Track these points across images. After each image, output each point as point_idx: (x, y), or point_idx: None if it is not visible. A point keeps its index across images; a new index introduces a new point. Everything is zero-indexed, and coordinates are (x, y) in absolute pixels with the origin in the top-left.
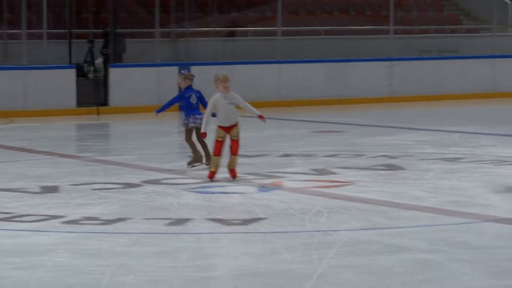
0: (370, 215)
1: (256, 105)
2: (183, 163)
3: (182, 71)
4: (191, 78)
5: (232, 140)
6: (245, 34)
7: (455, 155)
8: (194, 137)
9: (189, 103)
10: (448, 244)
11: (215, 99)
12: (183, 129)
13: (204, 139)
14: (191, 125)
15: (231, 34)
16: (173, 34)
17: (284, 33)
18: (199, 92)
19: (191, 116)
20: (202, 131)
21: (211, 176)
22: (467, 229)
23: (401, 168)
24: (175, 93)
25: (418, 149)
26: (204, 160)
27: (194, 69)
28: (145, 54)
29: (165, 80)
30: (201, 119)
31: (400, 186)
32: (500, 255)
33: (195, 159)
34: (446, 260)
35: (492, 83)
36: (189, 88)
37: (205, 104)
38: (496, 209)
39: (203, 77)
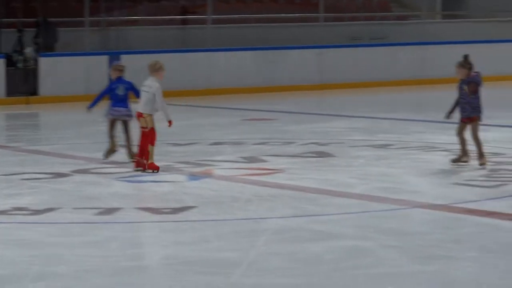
0: (300, 202)
1: (188, 93)
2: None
3: (115, 62)
4: (120, 69)
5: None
6: (176, 22)
7: (385, 142)
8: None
9: (115, 95)
10: (377, 231)
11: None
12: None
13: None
14: (110, 116)
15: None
16: (103, 23)
17: (215, 21)
18: (129, 83)
19: (114, 108)
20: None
21: (157, 168)
22: (396, 216)
23: (331, 155)
24: (105, 82)
25: (348, 136)
26: (116, 148)
27: (125, 58)
28: (75, 43)
29: (95, 69)
30: (124, 111)
31: (330, 173)
32: (428, 241)
33: (109, 150)
34: (375, 246)
35: (421, 70)
36: (120, 79)
37: (137, 94)
38: (424, 195)
39: (134, 66)
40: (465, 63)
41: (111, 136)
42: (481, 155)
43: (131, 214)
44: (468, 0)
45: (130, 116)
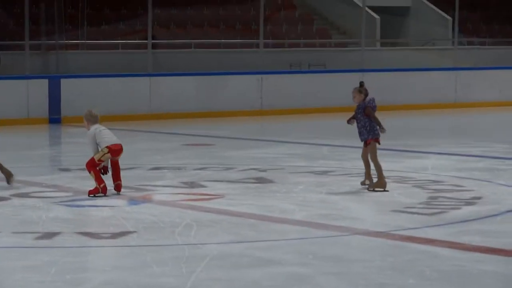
0: (240, 228)
1: (127, 117)
2: (52, 176)
3: None
4: None
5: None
6: (116, 47)
7: (325, 168)
8: None
9: None
10: (317, 257)
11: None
12: None
13: None
14: None
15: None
16: (43, 47)
17: (155, 46)
18: None
19: None
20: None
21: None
22: (336, 242)
23: (271, 181)
24: (45, 105)
25: (288, 162)
26: None
27: (65, 82)
28: (15, 66)
29: (35, 93)
30: None
31: (269, 199)
32: (368, 268)
33: None
34: (315, 273)
35: None
36: None
37: None
38: (364, 222)
39: (74, 90)
40: (363, 89)
41: None
42: (379, 177)
43: (71, 238)
44: (406, 28)
45: None
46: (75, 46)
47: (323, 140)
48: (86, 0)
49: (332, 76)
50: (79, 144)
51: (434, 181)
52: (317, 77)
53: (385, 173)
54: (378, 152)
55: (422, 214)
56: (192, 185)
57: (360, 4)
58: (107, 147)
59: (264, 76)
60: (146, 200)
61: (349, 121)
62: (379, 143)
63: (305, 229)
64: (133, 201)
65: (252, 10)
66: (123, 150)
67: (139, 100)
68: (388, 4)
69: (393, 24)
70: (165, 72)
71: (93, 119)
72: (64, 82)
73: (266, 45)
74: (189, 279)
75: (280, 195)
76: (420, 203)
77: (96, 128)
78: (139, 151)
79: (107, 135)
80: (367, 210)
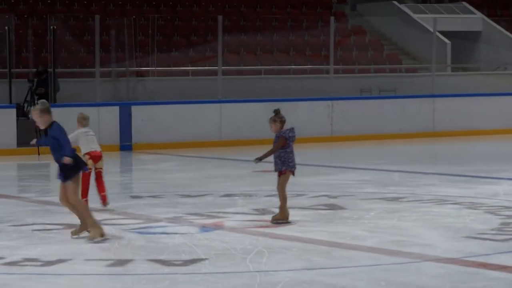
0: (311, 255)
1: (198, 144)
2: (123, 204)
3: None
4: None
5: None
6: (186, 73)
7: (396, 195)
8: None
9: None
10: (389, 284)
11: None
12: None
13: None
14: None
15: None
16: (114, 74)
17: (225, 73)
18: None
19: None
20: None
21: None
22: (408, 269)
23: (342, 208)
24: (115, 132)
25: (359, 189)
26: None
27: (135, 109)
28: (85, 93)
29: (106, 120)
30: None
31: (341, 225)
32: None
33: None
34: None
35: (432, 123)
36: None
37: None
38: (436, 249)
39: (143, 116)
40: (277, 117)
41: None
42: (281, 209)
43: (143, 266)
44: (477, 53)
45: None
46: (146, 73)
47: (394, 166)
48: (156, 27)
49: (402, 102)
50: (150, 171)
51: (506, 207)
52: (387, 102)
53: (457, 199)
54: (449, 178)
55: (494, 240)
56: (263, 211)
57: (431, 29)
58: (87, 153)
59: (334, 102)
60: (218, 227)
61: (257, 159)
62: (293, 175)
63: (376, 255)
64: (204, 228)
65: (322, 36)
66: (102, 157)
67: (210, 126)
68: (459, 28)
69: (464, 48)
70: (235, 99)
71: (83, 121)
72: (135, 109)
73: (336, 71)
74: None
75: (351, 222)
76: (493, 229)
77: (83, 131)
78: (210, 178)
79: (88, 142)
80: (438, 236)
